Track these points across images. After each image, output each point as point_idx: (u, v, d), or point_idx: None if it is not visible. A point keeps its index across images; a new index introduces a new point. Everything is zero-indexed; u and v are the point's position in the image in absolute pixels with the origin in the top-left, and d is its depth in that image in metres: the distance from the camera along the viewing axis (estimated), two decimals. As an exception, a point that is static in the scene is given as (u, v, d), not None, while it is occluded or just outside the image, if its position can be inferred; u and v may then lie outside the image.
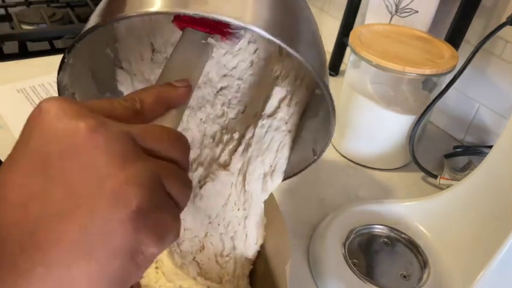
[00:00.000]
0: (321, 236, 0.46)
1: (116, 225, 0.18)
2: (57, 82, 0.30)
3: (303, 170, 0.37)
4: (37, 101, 0.63)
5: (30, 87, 0.68)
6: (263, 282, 0.37)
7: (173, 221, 0.21)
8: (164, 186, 0.21)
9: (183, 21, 0.31)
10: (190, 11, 0.23)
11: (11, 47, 0.80)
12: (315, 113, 0.38)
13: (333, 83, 0.28)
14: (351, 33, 0.57)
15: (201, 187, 0.38)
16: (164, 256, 0.38)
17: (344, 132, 0.60)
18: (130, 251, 0.19)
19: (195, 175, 0.38)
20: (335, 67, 0.81)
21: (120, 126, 0.20)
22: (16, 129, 0.59)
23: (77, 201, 0.18)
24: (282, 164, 0.37)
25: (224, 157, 0.38)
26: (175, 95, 0.26)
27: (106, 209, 0.18)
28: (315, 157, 0.35)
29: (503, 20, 0.53)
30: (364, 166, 0.60)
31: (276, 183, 0.37)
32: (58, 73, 0.29)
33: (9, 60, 0.75)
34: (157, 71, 0.38)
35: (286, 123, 0.38)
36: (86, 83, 0.34)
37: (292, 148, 0.38)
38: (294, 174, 0.38)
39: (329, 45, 0.90)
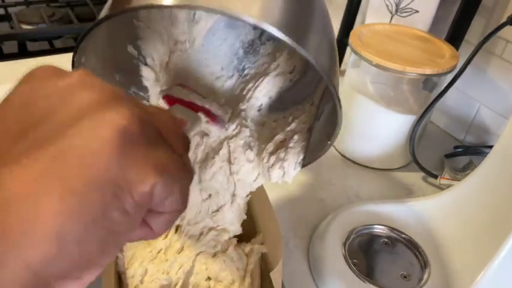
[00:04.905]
0: (321, 236, 0.46)
1: (98, 145, 0.16)
2: None
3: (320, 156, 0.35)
4: (37, 101, 0.63)
5: (30, 87, 0.68)
6: None
7: (174, 164, 0.19)
8: (160, 132, 0.19)
9: (173, 99, 0.33)
10: (196, 3, 0.22)
11: (10, 46, 0.80)
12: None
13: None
14: (351, 33, 0.57)
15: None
16: None
17: (344, 132, 0.60)
18: (114, 183, 0.16)
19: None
20: (335, 67, 0.81)
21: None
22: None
23: (60, 129, 0.16)
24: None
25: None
26: (180, 123, 0.26)
27: (89, 128, 0.16)
28: (329, 142, 0.33)
29: (504, 20, 0.53)
30: (364, 166, 0.60)
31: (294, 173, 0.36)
32: None
33: (8, 60, 0.74)
34: (179, 65, 0.38)
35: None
36: (109, 81, 0.34)
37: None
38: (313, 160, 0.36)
39: (329, 45, 0.90)
